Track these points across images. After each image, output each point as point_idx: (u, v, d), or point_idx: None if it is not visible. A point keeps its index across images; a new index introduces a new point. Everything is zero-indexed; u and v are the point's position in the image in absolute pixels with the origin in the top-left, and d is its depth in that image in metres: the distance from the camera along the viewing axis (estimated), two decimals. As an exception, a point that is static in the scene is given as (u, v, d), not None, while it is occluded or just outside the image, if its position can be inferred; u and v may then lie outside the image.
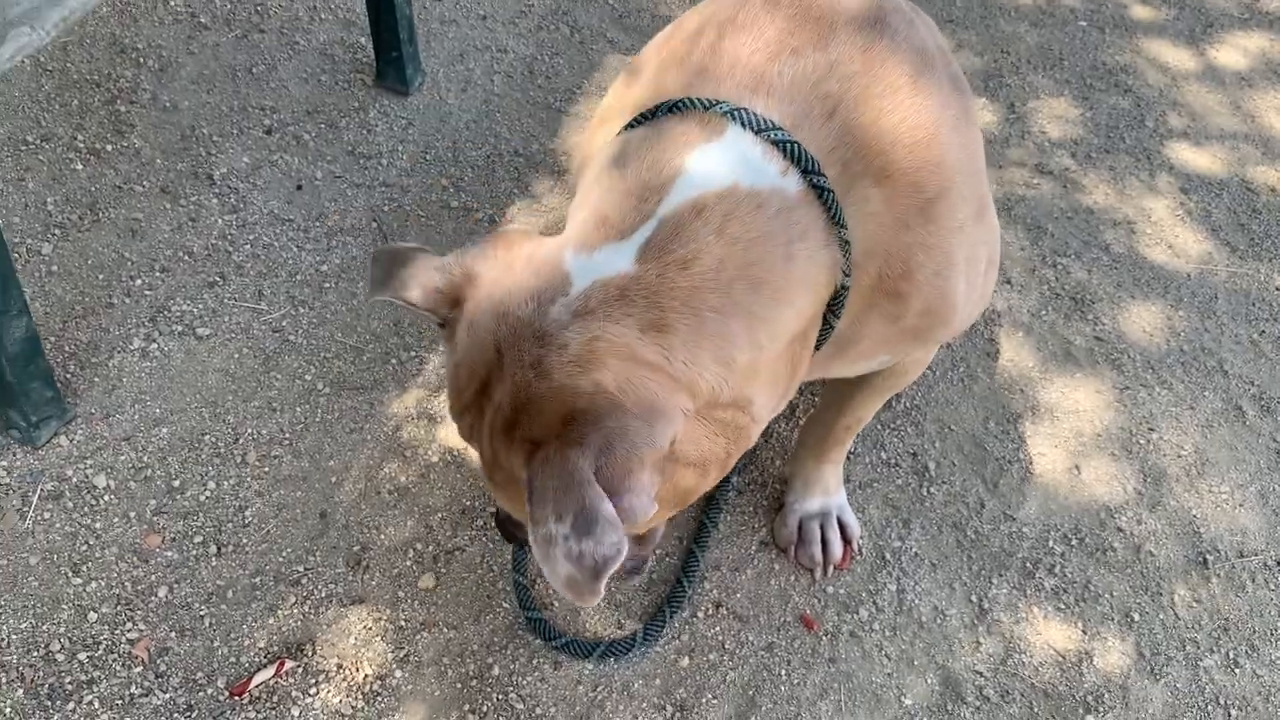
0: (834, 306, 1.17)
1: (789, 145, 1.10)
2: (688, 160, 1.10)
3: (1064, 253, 2.22)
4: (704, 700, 1.57)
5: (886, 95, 1.15)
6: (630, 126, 1.19)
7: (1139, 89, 2.64)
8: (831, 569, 1.71)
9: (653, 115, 1.17)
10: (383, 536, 1.70)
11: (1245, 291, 2.20)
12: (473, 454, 1.79)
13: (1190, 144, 2.52)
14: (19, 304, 1.62)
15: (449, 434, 1.83)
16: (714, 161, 1.10)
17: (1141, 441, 1.93)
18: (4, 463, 1.72)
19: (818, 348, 1.21)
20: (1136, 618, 1.71)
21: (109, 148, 2.17)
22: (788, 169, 1.10)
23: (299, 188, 2.17)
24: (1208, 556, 1.79)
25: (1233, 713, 1.62)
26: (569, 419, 0.99)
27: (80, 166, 2.13)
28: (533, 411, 1.01)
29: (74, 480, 1.72)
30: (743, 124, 1.11)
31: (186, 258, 2.02)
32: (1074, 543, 1.79)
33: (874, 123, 1.14)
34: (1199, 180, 2.43)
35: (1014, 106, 2.55)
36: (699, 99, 1.14)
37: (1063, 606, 1.71)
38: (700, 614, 1.66)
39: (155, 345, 1.89)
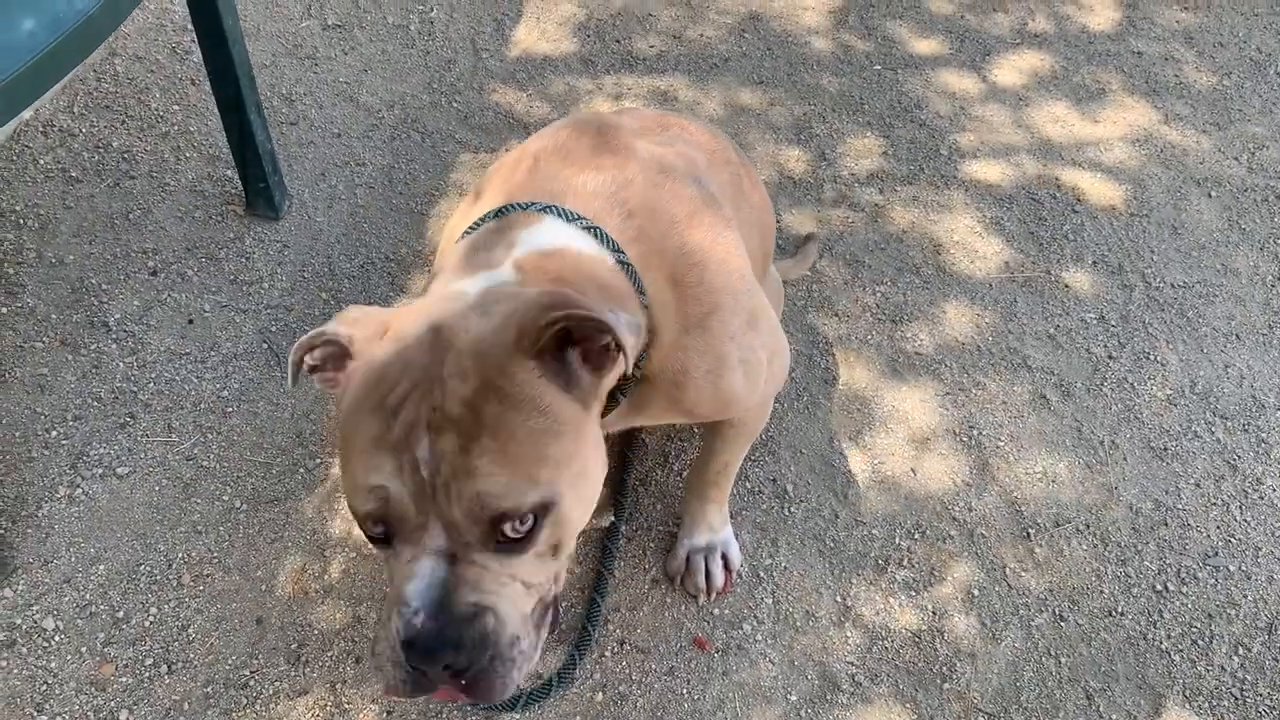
0: (621, 389, 1.38)
1: (595, 230, 1.35)
2: (521, 235, 1.34)
3: (880, 280, 2.54)
4: (620, 727, 1.81)
5: (673, 220, 1.42)
6: (465, 235, 1.43)
7: (932, 120, 2.99)
8: (715, 594, 1.97)
9: (481, 223, 1.41)
10: (316, 631, 1.90)
11: (1040, 291, 2.54)
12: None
13: (980, 163, 2.86)
14: (-47, 478, 1.79)
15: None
16: (541, 235, 1.33)
17: (965, 439, 2.24)
18: (-45, 622, 1.88)
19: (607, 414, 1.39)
20: (976, 593, 2.01)
21: (4, 310, 2.33)
22: (599, 248, 1.35)
23: (190, 322, 2.35)
24: (1030, 530, 2.10)
25: (1062, 660, 1.92)
26: None
27: (-21, 332, 2.29)
28: None
29: (24, 627, 1.88)
30: (556, 214, 1.36)
31: (96, 404, 2.19)
32: (917, 536, 2.08)
33: (664, 236, 1.40)
34: (991, 196, 2.78)
35: (824, 153, 2.86)
36: (516, 203, 1.40)
37: (914, 593, 2.00)
38: (608, 653, 1.90)
39: (79, 490, 2.06)
